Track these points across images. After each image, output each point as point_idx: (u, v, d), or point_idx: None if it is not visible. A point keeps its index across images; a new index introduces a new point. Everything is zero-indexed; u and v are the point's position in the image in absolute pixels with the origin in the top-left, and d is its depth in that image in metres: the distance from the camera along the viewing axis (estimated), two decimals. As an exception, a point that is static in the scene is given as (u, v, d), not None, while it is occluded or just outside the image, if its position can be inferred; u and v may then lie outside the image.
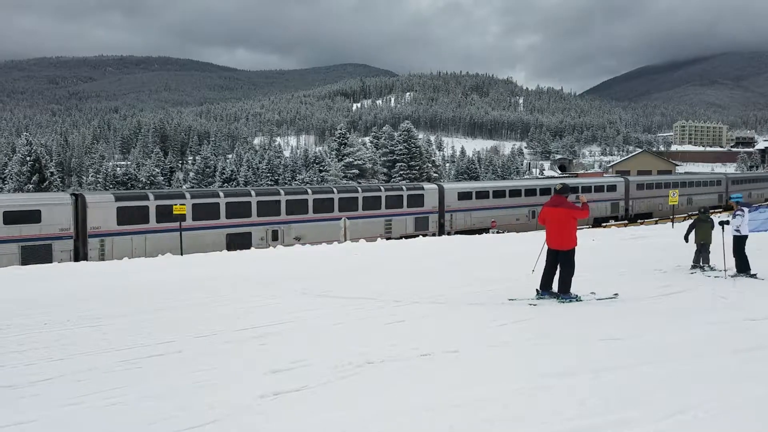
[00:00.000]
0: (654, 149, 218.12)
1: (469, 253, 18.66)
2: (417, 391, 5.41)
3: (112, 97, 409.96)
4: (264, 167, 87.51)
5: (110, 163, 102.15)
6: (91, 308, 9.99)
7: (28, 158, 59.26)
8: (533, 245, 15.48)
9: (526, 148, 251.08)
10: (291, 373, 6.07)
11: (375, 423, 4.71)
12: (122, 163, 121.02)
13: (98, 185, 73.79)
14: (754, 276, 12.34)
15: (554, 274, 9.99)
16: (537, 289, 10.08)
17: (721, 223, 12.96)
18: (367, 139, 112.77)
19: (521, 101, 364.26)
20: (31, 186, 56.91)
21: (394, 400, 5.20)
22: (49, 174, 60.86)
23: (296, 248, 21.33)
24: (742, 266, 12.55)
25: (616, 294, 10.20)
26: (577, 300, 9.79)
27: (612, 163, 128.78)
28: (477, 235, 28.80)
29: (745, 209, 12.78)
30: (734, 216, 12.71)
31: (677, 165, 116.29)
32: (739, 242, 12.59)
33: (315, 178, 73.44)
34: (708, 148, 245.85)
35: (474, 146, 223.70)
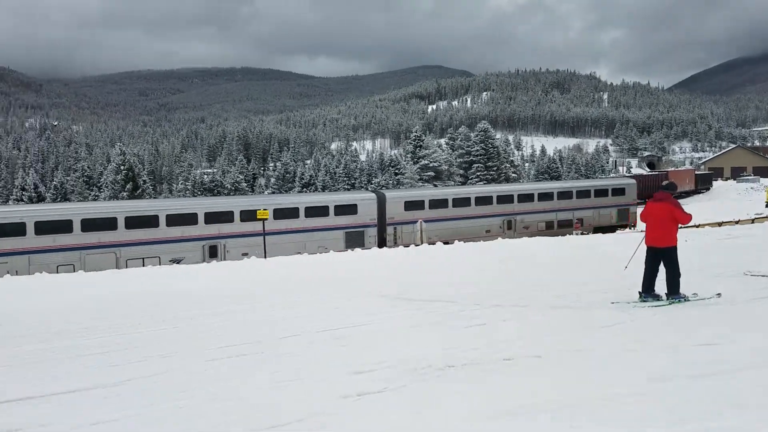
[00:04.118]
0: (749, 144, 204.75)
1: (555, 253, 18.14)
2: (500, 396, 5.27)
3: (199, 108, 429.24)
4: (341, 172, 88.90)
5: (198, 171, 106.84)
6: (171, 310, 10.43)
7: (122, 167, 62.89)
8: (627, 245, 14.85)
9: (611, 145, 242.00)
10: (372, 374, 6.07)
11: (460, 426, 4.62)
12: (209, 170, 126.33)
13: (186, 192, 77.41)
14: None
15: (656, 275, 9.62)
16: (639, 292, 9.74)
17: None
18: (442, 140, 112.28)
19: (605, 97, 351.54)
20: (125, 194, 60.34)
21: (478, 403, 5.08)
22: (141, 182, 64.40)
23: (373, 250, 21.44)
24: None
25: (719, 294, 9.69)
26: (686, 300, 9.45)
27: (704, 160, 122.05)
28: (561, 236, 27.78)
29: None
30: None
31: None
32: None
33: (390, 182, 73.81)
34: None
35: (555, 145, 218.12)
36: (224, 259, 26.68)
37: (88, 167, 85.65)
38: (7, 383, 6.27)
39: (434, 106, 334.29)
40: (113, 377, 6.34)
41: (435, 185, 69.45)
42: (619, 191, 41.46)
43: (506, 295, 10.59)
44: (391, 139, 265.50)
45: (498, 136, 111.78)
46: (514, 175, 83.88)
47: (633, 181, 44.34)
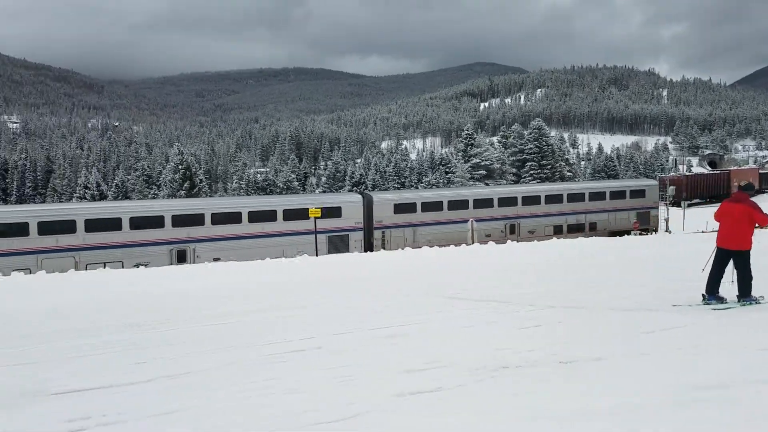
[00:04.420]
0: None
1: (608, 254, 17.69)
2: (557, 398, 5.17)
3: (253, 108, 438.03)
4: (391, 170, 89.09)
5: (251, 170, 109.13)
6: (230, 304, 10.67)
7: (180, 166, 64.80)
8: (681, 246, 14.35)
9: (671, 143, 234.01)
10: (425, 373, 6.06)
11: (518, 429, 4.55)
12: (262, 169, 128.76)
13: (241, 191, 79.12)
14: None
15: (722, 277, 9.31)
16: (703, 294, 9.44)
17: None
18: (495, 138, 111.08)
19: (665, 93, 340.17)
20: (182, 192, 62.15)
21: (534, 406, 5.01)
22: (198, 181, 66.20)
23: (424, 250, 21.40)
24: None
25: None
26: (756, 302, 9.17)
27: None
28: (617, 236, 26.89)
29: None
30: None
31: None
32: None
33: (441, 180, 73.49)
34: None
35: (612, 142, 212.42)
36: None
37: (148, 166, 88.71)
38: (76, 374, 6.56)
39: (486, 104, 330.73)
40: (177, 369, 6.56)
41: (487, 184, 68.74)
42: (638, 193, 38.78)
43: (561, 296, 10.40)
44: (441, 137, 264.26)
45: (552, 133, 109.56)
46: (569, 173, 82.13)
47: (654, 182, 41.80)
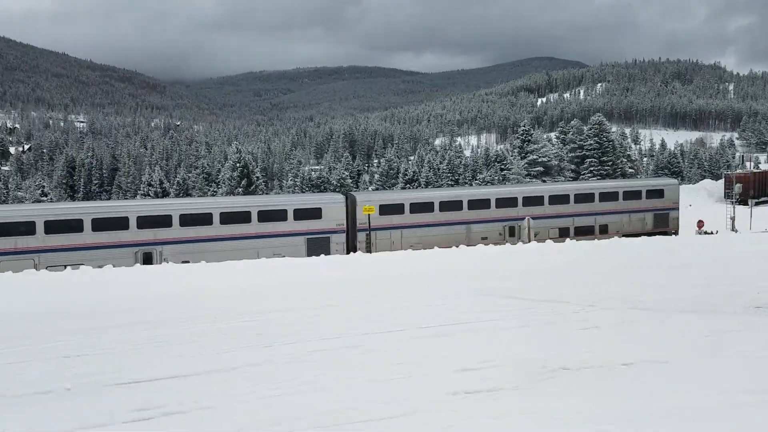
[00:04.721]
0: None
1: (671, 254, 17.06)
2: (619, 401, 5.04)
3: (308, 107, 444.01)
4: (444, 167, 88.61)
5: (306, 168, 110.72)
6: (288, 299, 10.85)
7: (237, 164, 66.38)
8: (746, 246, 13.70)
9: (738, 139, 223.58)
10: (481, 373, 6.00)
11: (574, 430, 4.45)
12: (316, 167, 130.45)
13: (296, 188, 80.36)
14: None
15: None
16: None
17: None
18: (552, 134, 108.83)
19: (731, 88, 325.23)
20: (240, 190, 63.65)
21: (595, 408, 4.88)
22: (255, 179, 67.65)
23: (478, 247, 21.17)
24: None
25: None
26: None
27: None
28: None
29: None
30: None
31: None
32: None
33: (496, 178, 72.58)
34: None
35: (676, 138, 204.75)
36: None
37: (207, 164, 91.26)
38: (143, 365, 6.82)
39: (544, 99, 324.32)
40: (225, 364, 6.75)
41: (544, 181, 67.46)
42: (656, 193, 36.00)
43: (624, 297, 10.09)
44: (497, 133, 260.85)
45: (613, 129, 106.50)
46: (631, 170, 79.64)
47: (674, 181, 38.91)
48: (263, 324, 8.87)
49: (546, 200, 33.15)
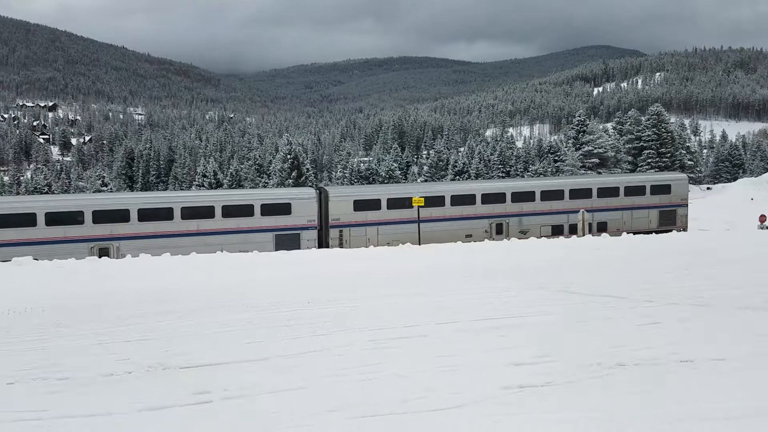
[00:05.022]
0: None
1: (736, 249, 16.40)
2: (678, 400, 4.88)
3: (357, 98, 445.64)
4: (495, 159, 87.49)
5: (355, 159, 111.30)
6: (341, 290, 10.96)
7: (288, 156, 67.34)
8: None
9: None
10: (534, 367, 5.93)
11: (630, 428, 4.34)
12: (365, 159, 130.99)
13: (345, 180, 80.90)
14: None
15: None
16: None
17: None
18: (609, 125, 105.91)
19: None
20: (290, 181, 64.57)
21: (652, 407, 4.75)
22: (305, 170, 68.47)
23: (531, 240, 20.86)
24: None
25: None
26: None
27: None
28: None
29: None
30: None
31: None
32: None
33: (549, 169, 71.24)
34: None
35: (738, 129, 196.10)
36: None
37: (259, 156, 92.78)
38: (203, 350, 7.03)
39: (600, 89, 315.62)
40: (290, 350, 6.89)
41: (599, 173, 65.82)
42: (662, 189, 33.58)
43: (683, 293, 9.76)
44: (550, 124, 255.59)
45: (672, 120, 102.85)
46: (690, 162, 76.88)
47: (682, 176, 36.45)
48: (320, 312, 9.00)
49: (538, 196, 31.31)
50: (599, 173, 65.61)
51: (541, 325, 7.85)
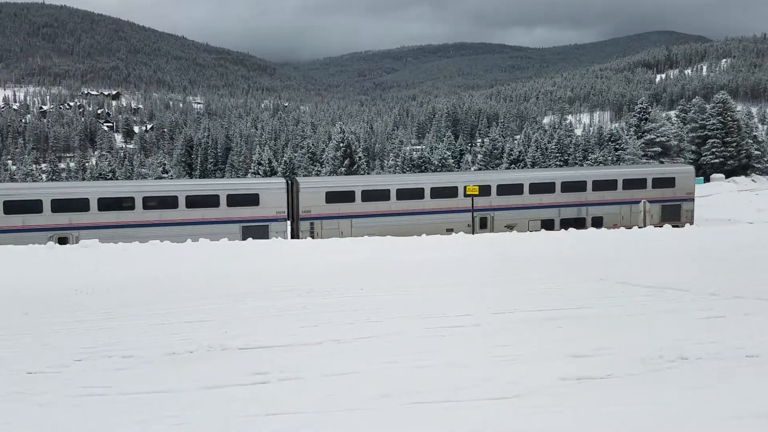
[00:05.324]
0: None
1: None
2: (744, 395, 4.69)
3: (411, 86, 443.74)
4: (553, 147, 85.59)
5: (407, 148, 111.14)
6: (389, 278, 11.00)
7: (341, 144, 67.81)
8: None
9: None
10: (593, 359, 5.81)
11: (694, 424, 4.19)
12: (417, 147, 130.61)
13: (397, 168, 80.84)
14: None
15: None
16: None
17: None
18: (672, 113, 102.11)
19: None
20: (343, 169, 65.05)
21: (715, 402, 4.58)
22: (357, 158, 68.83)
23: (590, 230, 20.38)
24: None
25: None
26: None
27: None
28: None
29: None
30: None
31: None
32: None
33: (610, 158, 69.26)
34: None
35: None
36: None
37: (313, 144, 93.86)
38: (260, 333, 7.21)
39: (663, 75, 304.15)
40: (345, 335, 7.00)
41: (662, 162, 63.60)
42: (665, 182, 31.12)
43: (748, 287, 9.36)
44: (611, 111, 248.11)
45: (739, 108, 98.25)
46: (757, 152, 73.31)
47: (689, 168, 33.76)
48: (373, 300, 9.08)
49: (526, 189, 29.59)
50: (662, 162, 63.38)
51: (601, 317, 7.69)
